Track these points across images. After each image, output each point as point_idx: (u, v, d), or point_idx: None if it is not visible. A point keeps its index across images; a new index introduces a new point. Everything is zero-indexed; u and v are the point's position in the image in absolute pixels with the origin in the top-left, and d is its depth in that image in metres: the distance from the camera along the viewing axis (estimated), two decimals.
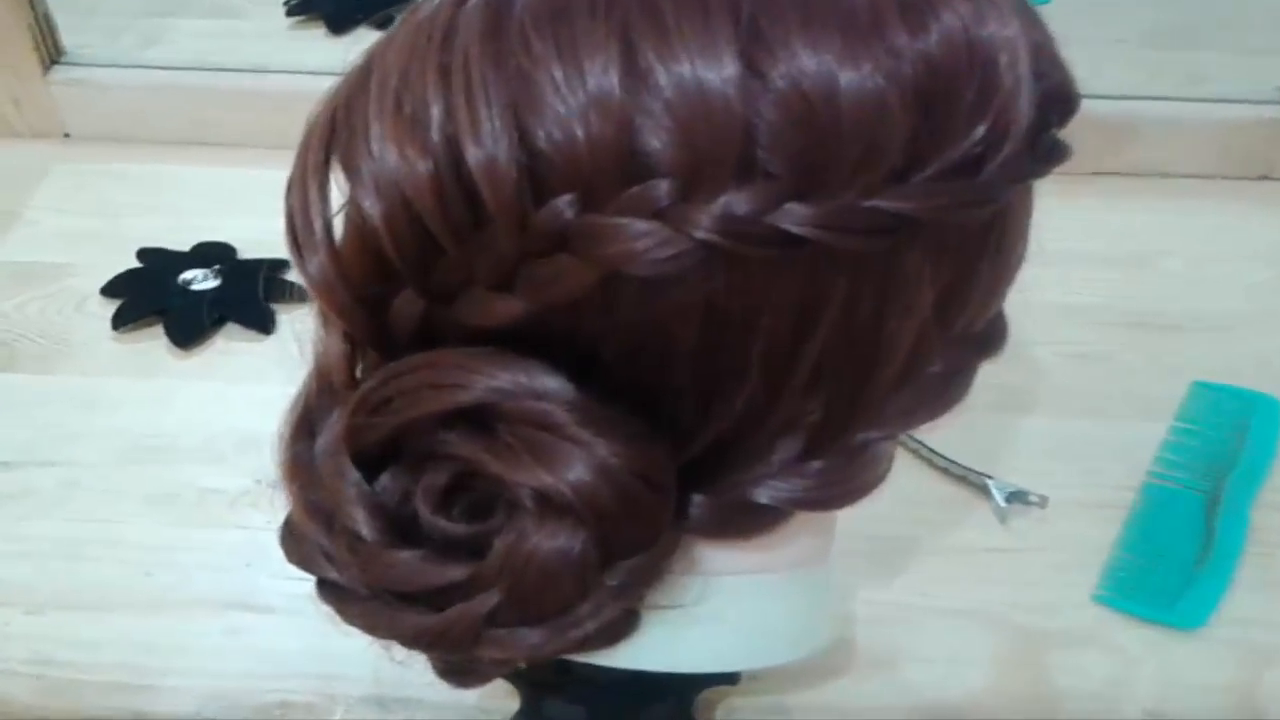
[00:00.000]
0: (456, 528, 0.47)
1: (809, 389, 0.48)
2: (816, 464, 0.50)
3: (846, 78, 0.41)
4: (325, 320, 0.50)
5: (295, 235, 0.48)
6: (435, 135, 0.43)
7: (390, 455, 0.48)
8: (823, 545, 0.60)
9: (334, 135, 0.48)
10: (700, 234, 0.41)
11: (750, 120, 0.41)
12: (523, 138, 0.42)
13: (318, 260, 0.47)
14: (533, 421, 0.45)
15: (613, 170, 0.41)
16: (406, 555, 0.47)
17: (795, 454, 0.50)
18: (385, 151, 0.44)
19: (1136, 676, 0.73)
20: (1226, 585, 0.79)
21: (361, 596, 0.49)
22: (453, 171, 0.43)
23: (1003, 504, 0.83)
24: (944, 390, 0.52)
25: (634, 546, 0.47)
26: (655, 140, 0.41)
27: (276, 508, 0.50)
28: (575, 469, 0.45)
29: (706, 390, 0.48)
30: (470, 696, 0.71)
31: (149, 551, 0.81)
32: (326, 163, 0.47)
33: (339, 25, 1.33)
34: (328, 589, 0.51)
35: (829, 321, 0.46)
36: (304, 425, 0.51)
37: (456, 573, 0.47)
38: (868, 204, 0.42)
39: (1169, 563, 0.80)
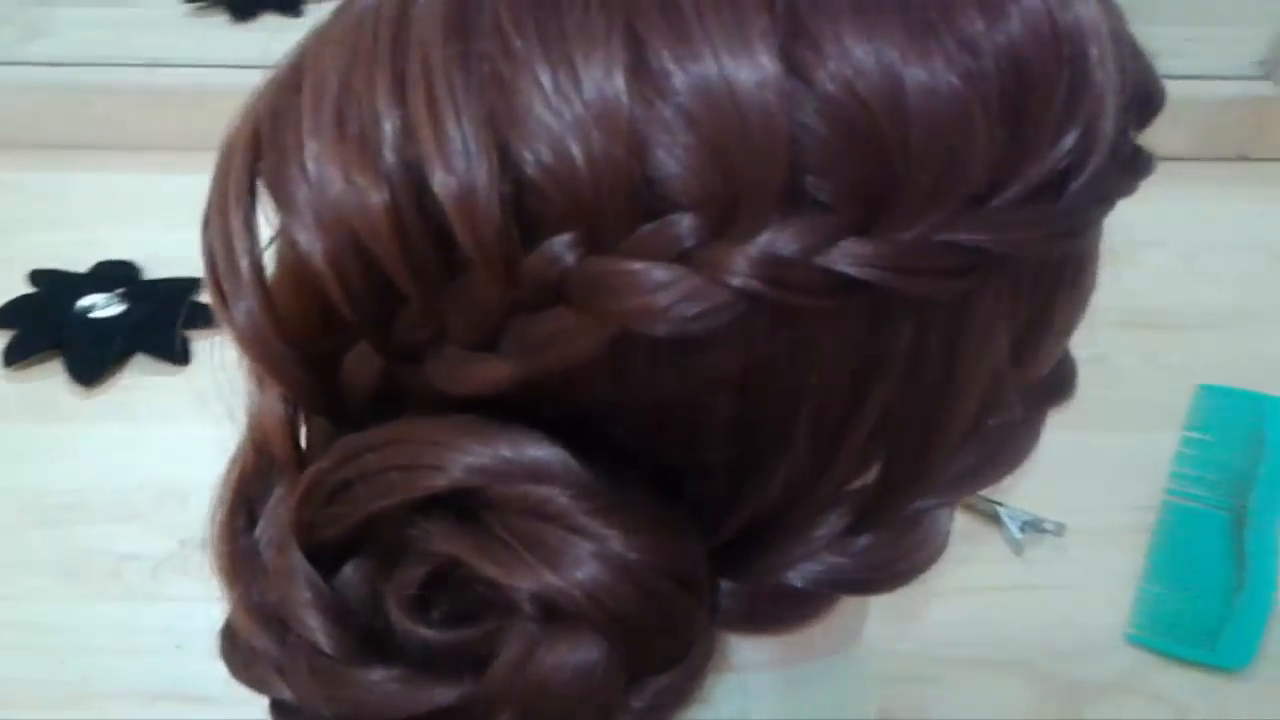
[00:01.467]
0: (440, 637, 0.39)
1: (863, 455, 0.40)
2: (864, 540, 0.42)
3: (914, 77, 0.33)
4: (259, 379, 0.41)
5: (217, 278, 0.39)
6: (390, 157, 0.35)
7: (351, 545, 0.40)
8: (862, 622, 0.52)
9: (258, 155, 0.39)
10: (738, 281, 0.33)
11: (794, 135, 0.33)
12: (504, 160, 0.34)
13: (245, 308, 0.38)
14: (529, 510, 0.37)
15: (622, 201, 0.33)
16: (380, 675, 0.39)
17: (840, 530, 0.42)
18: (326, 177, 0.36)
19: None
20: (1267, 616, 0.73)
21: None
22: (413, 202, 0.35)
23: (1017, 534, 0.76)
24: (1011, 446, 0.44)
25: (665, 660, 0.39)
26: (673, 162, 0.33)
27: (209, 575, 0.41)
28: (586, 566, 0.37)
29: (743, 466, 0.39)
30: None
31: (61, 634, 0.70)
32: (252, 189, 0.39)
33: (242, 11, 1.21)
34: (284, 712, 0.42)
35: (890, 377, 0.38)
36: (239, 506, 0.42)
37: (443, 696, 0.39)
38: (944, 238, 0.34)
39: (1202, 594, 0.74)
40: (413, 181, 0.35)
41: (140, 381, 0.87)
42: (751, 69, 0.33)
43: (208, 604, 0.41)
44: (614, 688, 0.38)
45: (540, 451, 0.37)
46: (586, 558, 0.37)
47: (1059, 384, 0.46)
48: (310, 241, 0.36)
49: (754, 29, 0.33)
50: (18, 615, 0.71)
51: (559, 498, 0.37)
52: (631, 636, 0.37)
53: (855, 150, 0.33)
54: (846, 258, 0.33)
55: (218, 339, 0.86)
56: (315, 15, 0.40)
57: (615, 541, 0.37)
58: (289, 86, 0.39)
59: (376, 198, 0.35)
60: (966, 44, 0.34)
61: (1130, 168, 0.39)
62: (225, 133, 0.44)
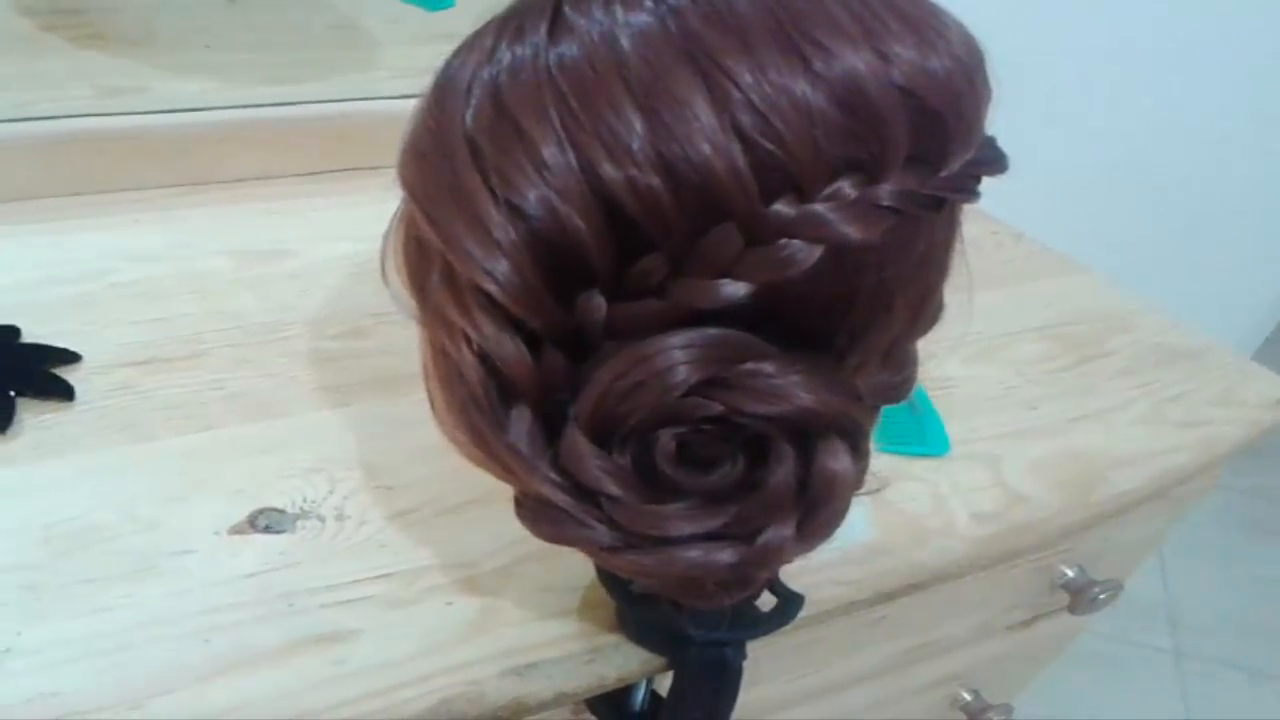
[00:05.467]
0: (707, 478, 0.53)
1: (911, 314, 0.59)
2: (889, 371, 0.61)
3: (949, 82, 0.52)
4: (493, 330, 0.52)
5: (461, 244, 0.51)
6: (647, 151, 0.48)
7: (621, 434, 0.53)
8: None
9: (479, 159, 0.51)
10: (890, 203, 0.50)
11: (909, 122, 0.50)
12: (744, 142, 0.48)
13: (507, 268, 0.50)
14: (754, 374, 0.52)
15: (823, 169, 0.49)
16: (674, 508, 0.54)
17: (878, 363, 0.60)
18: (588, 170, 0.49)
19: (950, 499, 0.89)
20: (937, 414, 0.98)
21: (648, 545, 0.54)
22: (673, 183, 0.48)
23: None
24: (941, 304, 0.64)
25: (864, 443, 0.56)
26: (847, 141, 0.50)
27: None
28: (809, 394, 0.52)
29: (861, 329, 0.56)
30: None
31: None
32: (489, 186, 0.51)
33: None
34: (608, 551, 0.54)
35: (933, 261, 0.58)
36: (494, 421, 0.54)
37: (725, 513, 0.53)
38: (969, 171, 0.54)
39: (895, 412, 0.97)
40: (667, 167, 0.48)
41: None
42: (877, 77, 0.49)
43: None
44: (862, 473, 0.55)
45: (748, 340, 0.51)
46: (804, 391, 0.52)
47: None
48: (568, 215, 0.49)
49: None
50: None
51: (767, 365, 0.51)
52: (859, 436, 0.54)
53: (932, 127, 0.51)
54: (938, 186, 0.52)
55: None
56: None
57: (817, 378, 0.52)
58: (493, 115, 0.51)
59: (648, 181, 0.48)
60: (956, 58, 0.52)
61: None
62: (399, 165, 0.55)
